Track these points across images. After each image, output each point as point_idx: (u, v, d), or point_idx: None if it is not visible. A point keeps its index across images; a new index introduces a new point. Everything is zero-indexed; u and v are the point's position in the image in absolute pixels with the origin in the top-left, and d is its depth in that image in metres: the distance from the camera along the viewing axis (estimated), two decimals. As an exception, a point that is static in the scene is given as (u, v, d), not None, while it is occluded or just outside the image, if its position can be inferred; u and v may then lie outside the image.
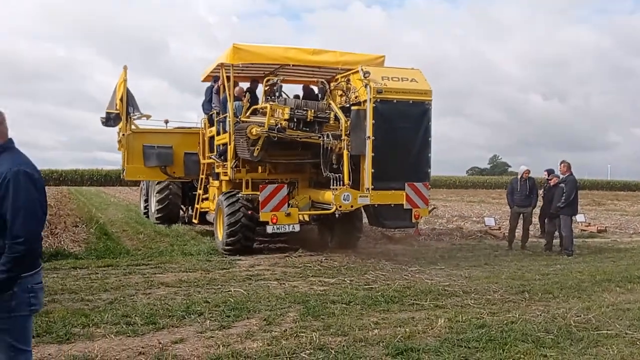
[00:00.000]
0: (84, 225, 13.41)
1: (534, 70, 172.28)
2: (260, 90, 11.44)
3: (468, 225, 16.11)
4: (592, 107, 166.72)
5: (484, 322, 5.62)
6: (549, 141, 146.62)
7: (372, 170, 8.96)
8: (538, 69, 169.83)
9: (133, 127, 12.82)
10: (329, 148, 9.44)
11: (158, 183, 14.16)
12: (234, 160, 10.16)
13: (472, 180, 65.51)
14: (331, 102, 9.95)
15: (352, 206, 9.07)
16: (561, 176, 11.33)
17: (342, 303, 6.36)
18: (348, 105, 9.70)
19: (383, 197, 9.12)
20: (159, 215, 14.26)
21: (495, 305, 6.49)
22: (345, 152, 9.23)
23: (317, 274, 8.23)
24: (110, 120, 12.52)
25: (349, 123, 9.28)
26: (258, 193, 9.57)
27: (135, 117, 12.76)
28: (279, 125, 9.46)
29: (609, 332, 5.39)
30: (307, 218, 10.77)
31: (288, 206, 9.53)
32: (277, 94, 10.09)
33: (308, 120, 9.51)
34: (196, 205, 12.63)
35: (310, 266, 8.81)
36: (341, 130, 9.38)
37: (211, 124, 11.83)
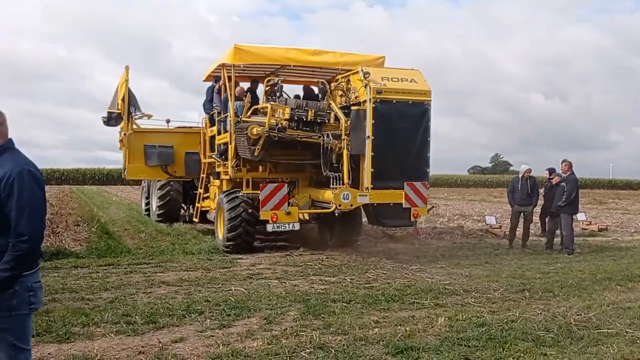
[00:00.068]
0: (85, 224, 13.45)
1: (535, 69, 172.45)
2: (260, 90, 11.47)
3: (469, 224, 16.11)
4: (593, 106, 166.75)
5: (484, 320, 5.62)
6: (550, 140, 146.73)
7: (372, 170, 9.01)
8: (539, 69, 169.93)
9: (134, 126, 12.87)
10: (329, 148, 9.48)
11: (159, 182, 14.20)
12: (235, 160, 10.18)
13: (473, 179, 65.55)
14: (331, 102, 9.98)
15: (351, 205, 9.13)
16: (563, 175, 11.32)
17: (342, 302, 6.36)
18: (348, 105, 9.74)
19: (382, 196, 9.17)
20: (160, 211, 14.36)
21: (496, 303, 6.50)
22: (345, 152, 9.26)
23: (317, 272, 8.24)
24: (111, 119, 12.58)
25: (348, 123, 9.33)
26: (258, 192, 9.61)
27: (136, 116, 12.80)
28: (280, 125, 9.50)
29: (609, 330, 5.39)
30: (307, 217, 10.83)
31: (288, 205, 9.57)
32: (277, 94, 10.14)
33: (308, 120, 9.55)
34: (197, 204, 12.67)
35: (311, 265, 8.82)
36: (341, 130, 9.41)
37: (212, 123, 11.86)
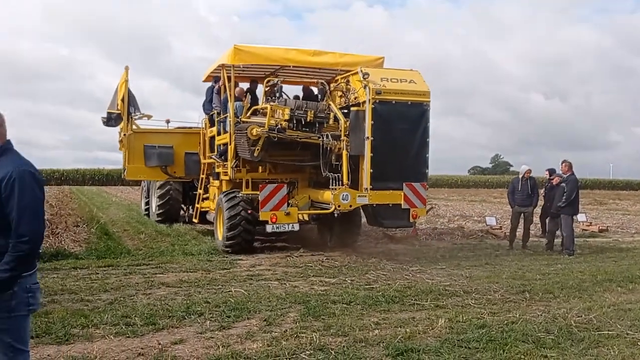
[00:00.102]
0: (84, 225, 13.42)
1: (535, 69, 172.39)
2: (260, 90, 11.47)
3: (469, 224, 16.09)
4: (594, 106, 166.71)
5: (484, 322, 5.60)
6: (551, 140, 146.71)
7: (371, 171, 9.02)
8: (539, 69, 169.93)
9: (134, 127, 12.85)
10: (329, 148, 9.49)
11: (159, 182, 14.21)
12: (235, 160, 10.19)
13: (473, 180, 65.56)
14: (331, 102, 9.99)
15: (350, 206, 9.13)
16: (563, 176, 11.31)
17: (342, 303, 6.35)
18: (347, 106, 9.74)
19: (381, 197, 9.18)
20: (160, 211, 14.39)
21: (496, 305, 6.48)
22: (344, 153, 9.27)
23: (318, 273, 8.23)
24: (111, 120, 12.57)
25: (348, 124, 9.34)
26: (258, 192, 9.61)
27: (136, 117, 12.79)
28: (279, 126, 9.50)
29: (610, 332, 5.37)
30: (306, 217, 10.84)
31: (287, 206, 9.58)
32: (277, 94, 10.15)
33: (308, 120, 9.58)
34: (197, 205, 12.67)
35: (311, 266, 8.81)
36: (340, 130, 9.43)
37: (212, 124, 11.85)
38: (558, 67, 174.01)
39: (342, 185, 9.19)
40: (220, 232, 10.40)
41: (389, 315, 5.95)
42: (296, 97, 10.89)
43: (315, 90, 11.50)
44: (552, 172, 12.38)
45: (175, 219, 14.41)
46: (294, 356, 4.59)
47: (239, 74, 11.30)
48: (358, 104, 9.42)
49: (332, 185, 9.34)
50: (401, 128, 9.21)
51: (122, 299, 6.40)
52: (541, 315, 5.96)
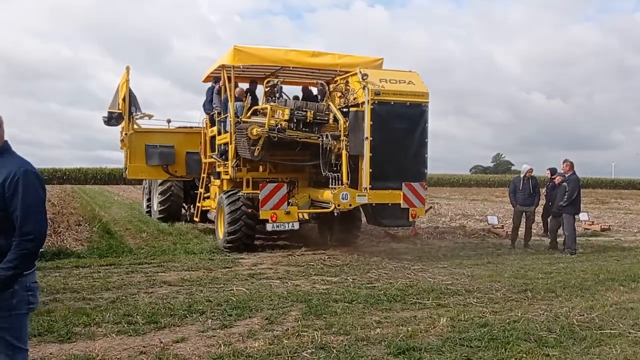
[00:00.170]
0: (87, 224, 13.45)
1: (537, 69, 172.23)
2: (259, 90, 11.49)
3: (471, 223, 16.09)
4: (596, 106, 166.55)
5: (486, 321, 5.60)
6: (552, 140, 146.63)
7: (370, 170, 9.06)
8: (541, 68, 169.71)
9: (135, 126, 12.88)
10: (328, 148, 9.53)
11: (160, 181, 14.24)
12: (235, 160, 10.21)
13: (475, 179, 65.52)
14: (330, 103, 10.02)
15: (350, 205, 9.18)
16: (565, 175, 11.30)
17: (344, 302, 6.35)
18: (347, 106, 9.77)
19: (381, 196, 9.21)
20: (161, 207, 14.45)
21: (498, 304, 6.47)
22: (344, 152, 9.31)
23: (319, 272, 8.23)
24: (112, 119, 12.61)
25: (347, 124, 9.39)
26: (258, 192, 9.62)
27: (137, 116, 12.82)
28: (279, 126, 9.53)
29: (612, 331, 5.36)
30: (306, 216, 10.87)
31: (288, 204, 9.60)
32: (277, 95, 10.18)
33: (308, 121, 9.60)
34: (198, 204, 12.70)
35: (313, 265, 8.81)
36: (340, 130, 9.47)
37: (212, 124, 11.88)
38: (560, 67, 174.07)
39: (342, 184, 9.22)
40: (221, 231, 10.45)
41: (391, 314, 5.95)
42: (296, 98, 10.90)
43: (314, 90, 11.51)
44: (553, 171, 12.36)
45: (176, 218, 14.48)
46: (296, 355, 4.58)
47: (239, 74, 11.31)
48: (357, 105, 9.47)
49: (332, 184, 9.38)
50: (400, 128, 9.26)
51: (124, 297, 6.41)
52: (543, 314, 5.95)
